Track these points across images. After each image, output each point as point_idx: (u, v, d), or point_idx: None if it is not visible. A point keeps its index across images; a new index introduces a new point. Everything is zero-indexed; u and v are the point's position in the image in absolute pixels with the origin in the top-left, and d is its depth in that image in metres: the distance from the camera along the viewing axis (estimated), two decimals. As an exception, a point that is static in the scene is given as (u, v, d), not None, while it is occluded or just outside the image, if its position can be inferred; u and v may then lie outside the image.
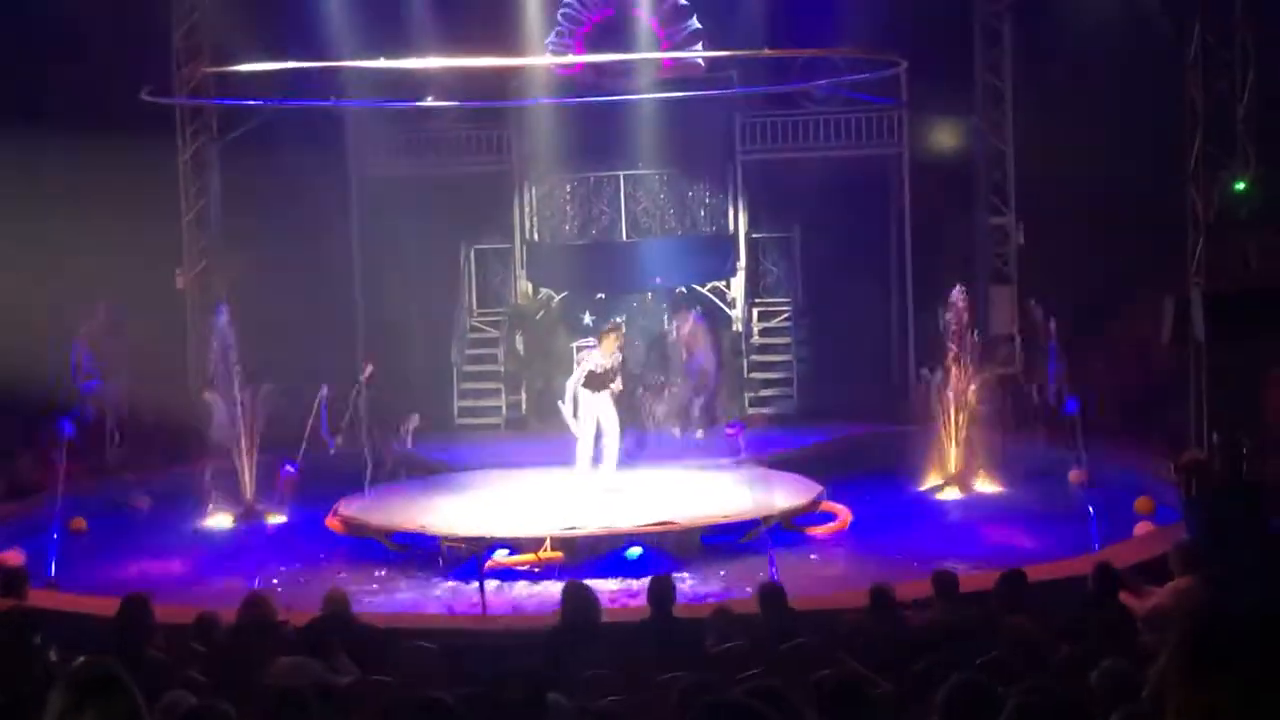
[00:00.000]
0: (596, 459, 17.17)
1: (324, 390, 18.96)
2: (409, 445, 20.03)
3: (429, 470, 19.60)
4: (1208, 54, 13.24)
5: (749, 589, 13.13)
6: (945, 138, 24.20)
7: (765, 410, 23.40)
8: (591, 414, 17.05)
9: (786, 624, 9.67)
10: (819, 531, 16.35)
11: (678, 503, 16.13)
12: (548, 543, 14.73)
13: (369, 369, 19.56)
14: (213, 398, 18.53)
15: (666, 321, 23.34)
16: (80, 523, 17.16)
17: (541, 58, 23.15)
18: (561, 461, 17.72)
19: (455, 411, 23.78)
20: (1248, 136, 14.06)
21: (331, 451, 19.06)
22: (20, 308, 18.22)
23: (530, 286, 24.58)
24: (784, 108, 23.76)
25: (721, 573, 14.45)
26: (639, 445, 19.59)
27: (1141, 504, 16.32)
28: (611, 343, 17.30)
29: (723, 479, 17.63)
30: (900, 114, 23.51)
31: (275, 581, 14.51)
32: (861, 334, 23.84)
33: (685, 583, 13.58)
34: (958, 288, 18.93)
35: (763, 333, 24.25)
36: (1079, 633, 8.97)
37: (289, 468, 18.14)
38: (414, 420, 20.25)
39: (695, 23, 23.58)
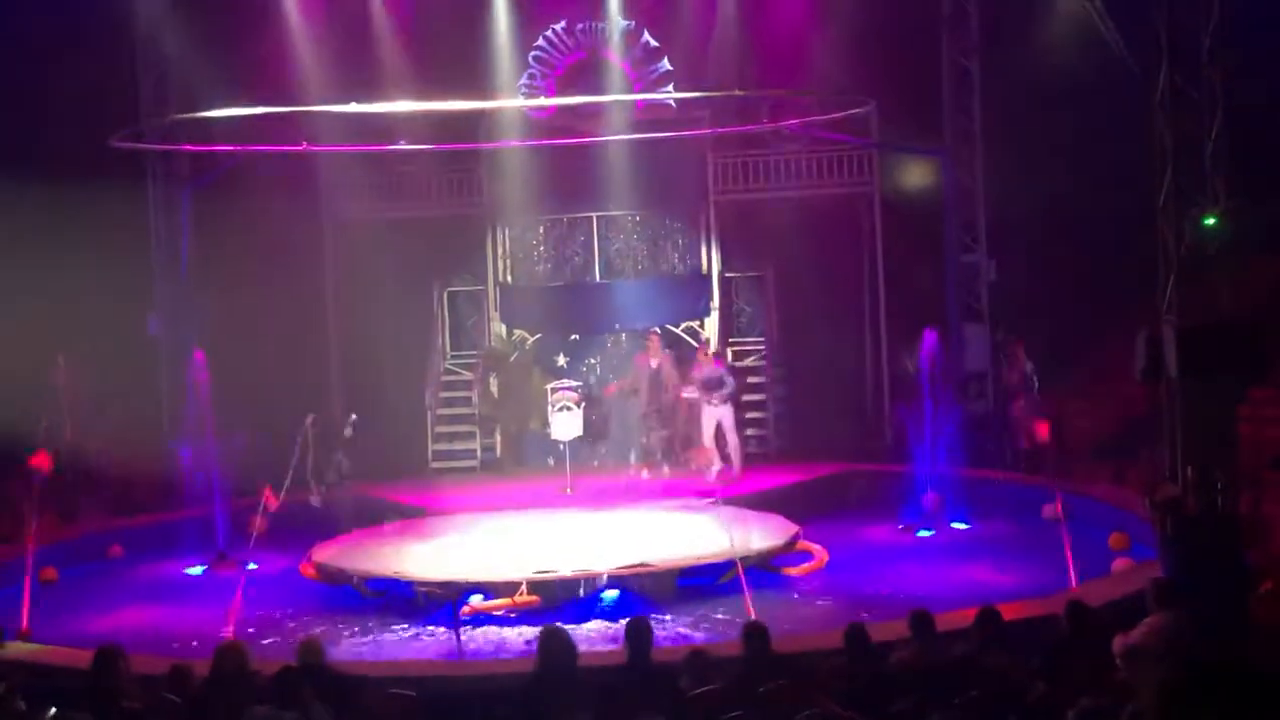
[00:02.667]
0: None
1: (309, 420, 18.80)
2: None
3: (403, 514, 19.49)
4: (1175, 92, 13.30)
5: (726, 631, 13.12)
6: (915, 176, 24.33)
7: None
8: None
9: (766, 664, 9.62)
10: (796, 571, 16.32)
11: (653, 544, 16.08)
12: (524, 587, 14.67)
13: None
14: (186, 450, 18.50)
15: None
16: (51, 573, 17.03)
17: (514, 100, 23.23)
18: (536, 504, 17.68)
19: (430, 455, 23.71)
20: (1217, 173, 14.11)
21: (315, 503, 18.91)
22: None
23: (504, 329, 24.59)
24: (755, 148, 23.87)
25: (698, 614, 14.40)
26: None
27: (1116, 540, 16.36)
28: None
29: (698, 520, 17.58)
30: (871, 153, 23.63)
31: (276, 632, 14.41)
32: (836, 372, 23.88)
33: (662, 625, 13.53)
34: (928, 330, 18.96)
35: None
36: (1056, 671, 8.95)
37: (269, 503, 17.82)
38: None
39: (667, 64, 23.70)
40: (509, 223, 24.71)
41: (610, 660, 10.26)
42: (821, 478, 21.11)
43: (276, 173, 21.33)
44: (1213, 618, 10.33)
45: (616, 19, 23.79)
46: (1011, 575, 15.65)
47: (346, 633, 14.42)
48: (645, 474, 21.42)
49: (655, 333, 22.47)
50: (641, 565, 15.16)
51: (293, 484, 17.77)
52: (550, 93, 23.74)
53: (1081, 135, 21.50)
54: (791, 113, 22.92)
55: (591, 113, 23.67)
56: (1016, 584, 15.07)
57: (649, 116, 23.55)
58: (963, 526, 18.46)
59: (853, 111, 21.15)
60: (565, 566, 15.17)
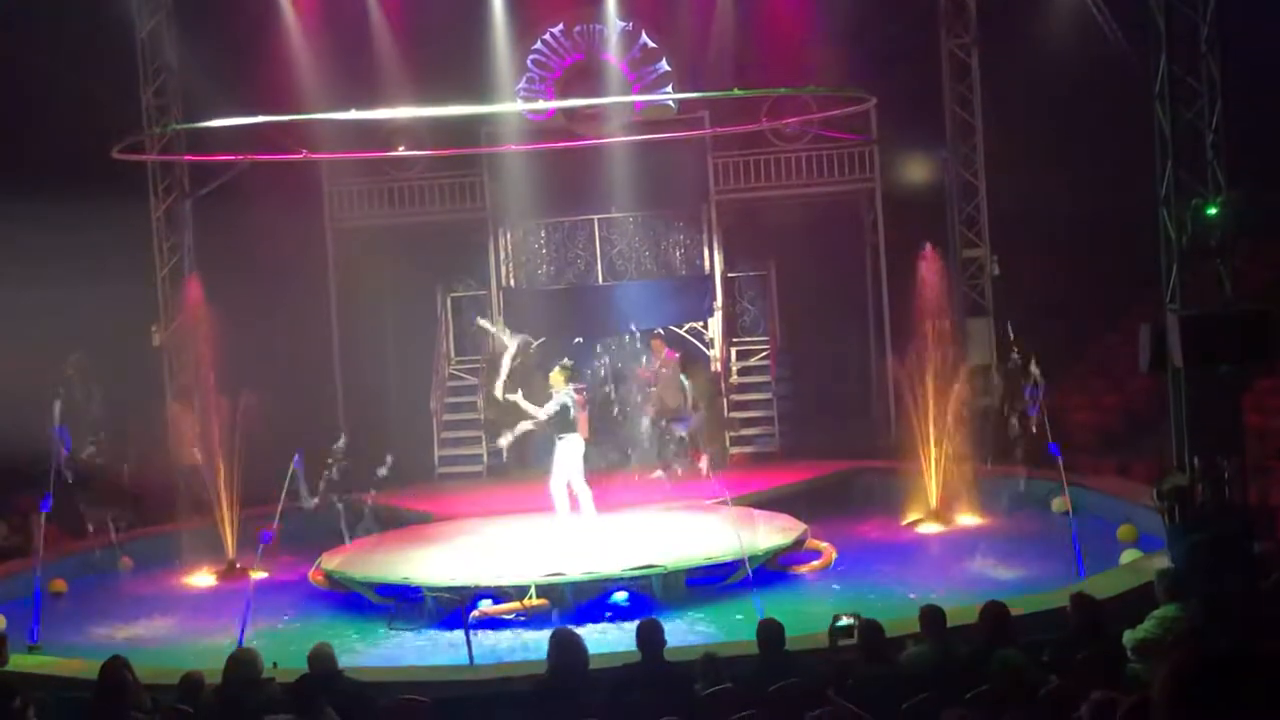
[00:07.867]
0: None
1: (297, 458, 18.86)
2: (382, 475, 19.79)
3: (411, 521, 19.49)
4: (1174, 83, 13.29)
5: (736, 630, 13.11)
6: (917, 172, 24.29)
7: (747, 449, 23.37)
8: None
9: (779, 663, 9.62)
10: (804, 570, 16.32)
11: (661, 545, 16.08)
12: (533, 590, 14.67)
13: (343, 440, 19.50)
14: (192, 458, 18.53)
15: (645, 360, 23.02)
16: (60, 585, 17.04)
17: (513, 104, 23.23)
18: (543, 508, 17.66)
19: (436, 461, 23.69)
20: (1217, 162, 14.12)
21: (310, 506, 18.88)
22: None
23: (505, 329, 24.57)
24: (756, 147, 23.84)
25: (708, 614, 14.40)
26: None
27: (1124, 531, 16.34)
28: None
29: (706, 520, 17.57)
30: (871, 149, 23.60)
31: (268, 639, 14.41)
32: (840, 369, 23.88)
33: (672, 626, 13.51)
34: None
35: (742, 371, 24.24)
36: (1066, 664, 8.94)
37: (265, 534, 17.87)
38: (388, 461, 20.11)
39: (665, 65, 23.70)
40: (511, 227, 24.71)
41: (621, 661, 10.26)
42: (828, 475, 21.10)
43: (278, 181, 21.31)
44: (1222, 608, 10.31)
45: (614, 21, 23.80)
46: (1020, 569, 15.64)
47: (357, 639, 14.43)
48: (659, 474, 21.45)
49: (658, 336, 22.47)
50: (650, 566, 15.16)
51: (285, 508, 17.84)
52: (549, 96, 23.74)
53: (1081, 126, 21.49)
54: (791, 110, 22.93)
55: (591, 115, 23.68)
56: (1025, 578, 15.07)
57: (648, 118, 23.55)
58: (970, 521, 18.44)
59: (853, 109, 21.14)
60: (574, 569, 15.17)
